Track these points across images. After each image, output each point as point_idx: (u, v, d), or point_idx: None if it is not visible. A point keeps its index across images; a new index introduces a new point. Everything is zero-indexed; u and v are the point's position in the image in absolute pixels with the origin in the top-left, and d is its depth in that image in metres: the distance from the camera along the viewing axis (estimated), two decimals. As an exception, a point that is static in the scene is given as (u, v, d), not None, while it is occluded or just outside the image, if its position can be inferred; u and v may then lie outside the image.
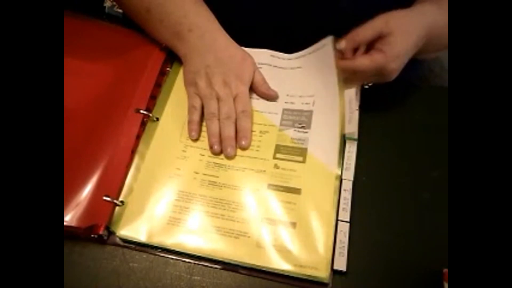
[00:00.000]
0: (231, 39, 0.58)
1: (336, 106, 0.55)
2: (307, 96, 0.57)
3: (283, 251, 0.46)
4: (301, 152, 0.52)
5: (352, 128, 0.53)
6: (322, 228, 0.47)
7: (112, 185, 0.50)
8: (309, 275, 0.45)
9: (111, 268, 0.46)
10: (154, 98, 0.57)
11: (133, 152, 0.53)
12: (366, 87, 0.56)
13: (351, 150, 0.53)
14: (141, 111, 0.55)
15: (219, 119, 0.54)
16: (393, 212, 0.50)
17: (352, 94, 0.53)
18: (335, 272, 0.46)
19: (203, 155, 0.53)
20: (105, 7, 0.75)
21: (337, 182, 0.50)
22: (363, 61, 0.52)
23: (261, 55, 0.61)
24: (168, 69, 0.60)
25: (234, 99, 0.55)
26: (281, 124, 0.55)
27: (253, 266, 0.46)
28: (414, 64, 0.56)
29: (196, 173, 0.52)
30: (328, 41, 0.58)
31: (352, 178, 0.51)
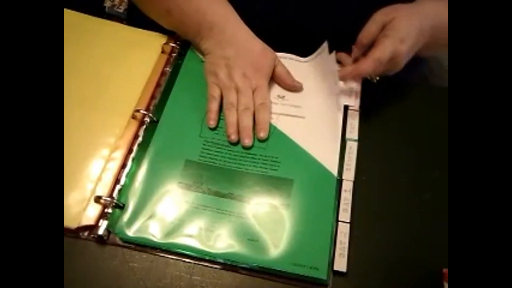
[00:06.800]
0: (251, 32, 0.59)
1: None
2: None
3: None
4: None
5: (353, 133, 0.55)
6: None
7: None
8: (309, 275, 0.45)
9: (111, 268, 0.46)
10: (154, 99, 0.57)
11: (132, 152, 0.53)
12: (375, 81, 0.57)
13: (352, 150, 0.53)
14: (141, 111, 0.55)
15: (237, 110, 0.55)
16: (393, 212, 0.50)
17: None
18: (335, 273, 0.46)
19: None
20: (105, 7, 0.75)
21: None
22: (376, 54, 0.52)
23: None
24: (168, 69, 0.60)
25: (254, 92, 0.56)
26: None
27: (253, 266, 0.46)
28: (414, 64, 0.56)
29: (196, 173, 0.52)
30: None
31: (352, 179, 0.51)
